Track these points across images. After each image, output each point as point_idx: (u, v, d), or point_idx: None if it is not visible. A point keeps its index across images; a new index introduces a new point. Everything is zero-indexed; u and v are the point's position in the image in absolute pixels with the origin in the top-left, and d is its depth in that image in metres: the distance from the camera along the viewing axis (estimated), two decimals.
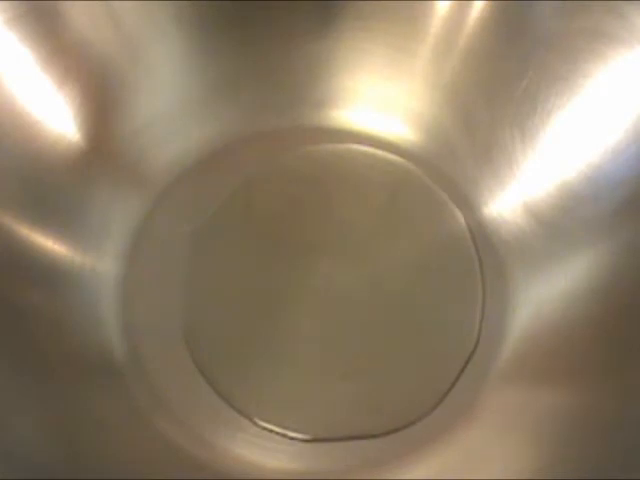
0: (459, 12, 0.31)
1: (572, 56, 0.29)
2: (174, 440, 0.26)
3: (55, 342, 0.26)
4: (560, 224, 0.29)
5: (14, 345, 0.25)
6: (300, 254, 0.30)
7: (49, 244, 0.27)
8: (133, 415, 0.26)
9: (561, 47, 0.29)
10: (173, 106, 0.31)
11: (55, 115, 0.28)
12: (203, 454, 0.26)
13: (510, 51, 0.31)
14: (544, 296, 0.28)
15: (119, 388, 0.26)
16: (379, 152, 0.32)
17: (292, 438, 0.26)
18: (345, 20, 0.32)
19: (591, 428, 0.24)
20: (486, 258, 0.30)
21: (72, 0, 0.28)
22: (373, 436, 0.26)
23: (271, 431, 0.26)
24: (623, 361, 0.25)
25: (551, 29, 0.30)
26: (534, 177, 0.30)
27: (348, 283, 0.29)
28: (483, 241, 0.30)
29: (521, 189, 0.30)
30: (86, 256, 0.28)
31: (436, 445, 0.26)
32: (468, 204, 0.31)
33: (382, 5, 0.31)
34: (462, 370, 0.28)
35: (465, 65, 0.32)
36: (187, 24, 0.30)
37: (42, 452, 0.23)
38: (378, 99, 0.33)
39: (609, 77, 0.28)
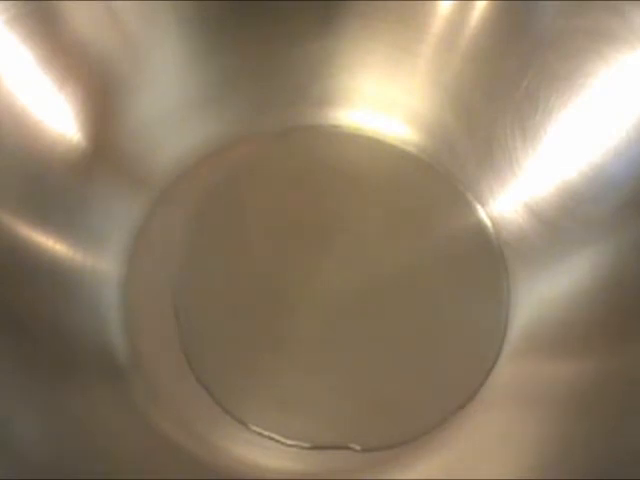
0: (461, 12, 0.31)
1: (573, 56, 0.29)
2: (174, 440, 0.26)
3: (55, 341, 0.26)
4: (561, 224, 0.29)
5: (14, 344, 0.25)
6: (304, 254, 0.30)
7: (50, 243, 0.27)
8: (133, 415, 0.26)
9: (562, 47, 0.29)
10: (173, 106, 0.31)
11: (56, 115, 0.28)
12: (203, 454, 0.26)
13: (511, 51, 0.31)
14: (546, 295, 0.28)
15: (119, 388, 0.26)
16: (381, 151, 0.32)
17: (290, 445, 0.26)
18: (346, 19, 0.32)
19: (592, 429, 0.24)
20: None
21: (72, 0, 0.28)
22: (371, 450, 0.26)
23: (269, 438, 0.26)
24: (624, 360, 0.25)
25: (552, 29, 0.30)
26: (535, 177, 0.30)
27: (353, 283, 0.29)
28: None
29: (522, 189, 0.30)
30: (86, 255, 0.28)
31: (436, 444, 0.26)
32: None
33: (384, 4, 0.31)
34: (480, 386, 0.27)
35: (466, 65, 0.32)
36: (187, 24, 0.30)
37: (42, 452, 0.23)
38: (379, 98, 0.33)
39: (610, 77, 0.28)
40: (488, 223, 0.31)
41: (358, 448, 0.26)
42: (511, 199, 0.31)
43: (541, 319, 0.28)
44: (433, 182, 0.32)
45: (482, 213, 0.31)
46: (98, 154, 0.29)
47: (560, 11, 0.29)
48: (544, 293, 0.28)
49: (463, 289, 0.29)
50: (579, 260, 0.28)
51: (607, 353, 0.26)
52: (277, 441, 0.26)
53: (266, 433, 0.26)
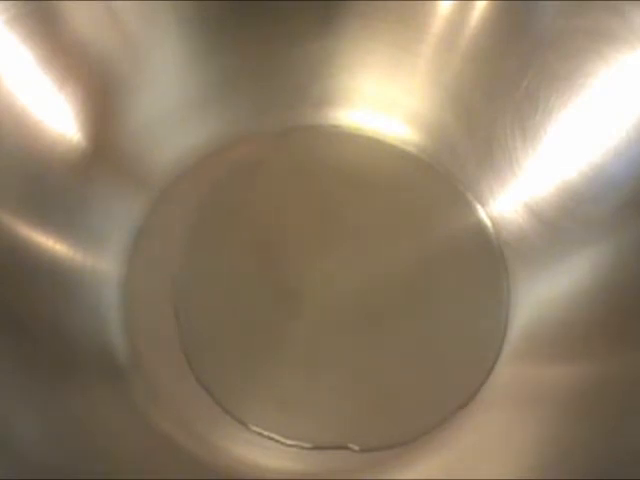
0: (461, 12, 0.31)
1: (573, 56, 0.29)
2: (174, 440, 0.26)
3: (55, 341, 0.26)
4: (561, 224, 0.29)
5: (14, 344, 0.25)
6: (304, 254, 0.29)
7: (50, 243, 0.27)
8: (133, 415, 0.26)
9: (562, 47, 0.29)
10: (173, 106, 0.31)
11: (56, 115, 0.28)
12: (203, 454, 0.26)
13: (511, 51, 0.31)
14: (546, 295, 0.28)
15: (119, 388, 0.26)
16: (381, 151, 0.32)
17: (290, 446, 0.26)
18: (346, 19, 0.32)
19: (593, 429, 0.24)
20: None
21: (72, 0, 0.28)
22: (371, 450, 0.26)
23: (269, 438, 0.26)
24: (624, 360, 0.25)
25: (552, 29, 0.30)
26: (535, 177, 0.30)
27: (353, 283, 0.29)
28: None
29: (522, 189, 0.30)
30: (87, 256, 0.28)
31: (436, 444, 0.26)
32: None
33: (384, 4, 0.31)
34: (480, 386, 0.27)
35: (466, 65, 0.32)
36: (187, 24, 0.30)
37: (42, 452, 0.23)
38: (379, 98, 0.33)
39: (610, 77, 0.28)
40: (488, 223, 0.31)
41: (357, 448, 0.26)
42: (511, 199, 0.31)
43: (541, 319, 0.28)
44: (433, 182, 0.32)
45: (482, 213, 0.31)
46: (98, 154, 0.29)
47: (560, 11, 0.29)
48: (544, 293, 0.28)
49: (463, 289, 0.29)
50: (579, 260, 0.28)
51: (607, 353, 0.26)
52: (277, 441, 0.26)
53: (266, 433, 0.26)
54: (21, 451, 0.22)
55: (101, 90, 0.29)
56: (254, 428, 0.26)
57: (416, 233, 0.30)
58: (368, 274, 0.29)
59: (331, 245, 0.30)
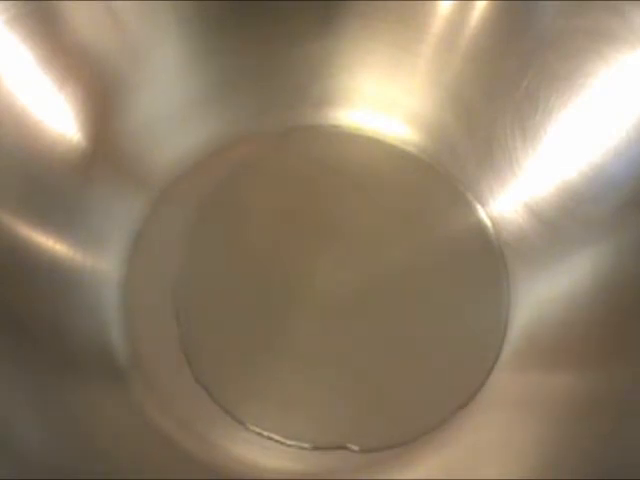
0: (461, 12, 0.31)
1: (573, 56, 0.29)
2: (174, 440, 0.26)
3: (55, 341, 0.26)
4: (561, 224, 0.29)
5: (14, 344, 0.25)
6: (304, 254, 0.29)
7: (50, 243, 0.27)
8: (133, 415, 0.26)
9: (562, 47, 0.29)
10: (173, 106, 0.31)
11: (56, 115, 0.28)
12: (203, 454, 0.26)
13: (511, 51, 0.31)
14: (546, 296, 0.28)
15: (119, 388, 0.26)
16: (381, 151, 0.32)
17: (290, 446, 0.26)
18: (346, 19, 0.32)
19: (592, 429, 0.24)
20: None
21: (72, 0, 0.28)
22: (371, 450, 0.26)
23: (269, 438, 0.26)
24: (624, 361, 0.25)
25: (552, 29, 0.30)
26: (535, 177, 0.30)
27: (353, 283, 0.29)
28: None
29: (522, 189, 0.30)
30: (86, 256, 0.28)
31: (436, 444, 0.26)
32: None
33: (384, 4, 0.31)
34: (480, 387, 0.27)
35: (466, 65, 0.32)
36: (187, 24, 0.30)
37: (42, 452, 0.23)
38: (379, 98, 0.33)
39: (610, 77, 0.28)
40: (488, 223, 0.31)
41: (356, 449, 0.26)
42: (511, 199, 0.31)
43: (541, 319, 0.28)
44: (433, 182, 0.32)
45: (482, 213, 0.31)
46: (98, 154, 0.29)
47: (560, 11, 0.29)
48: (544, 293, 0.28)
49: (463, 289, 0.29)
50: (579, 260, 0.28)
51: (607, 353, 0.26)
52: (277, 441, 0.26)
53: (265, 433, 0.26)
54: (21, 451, 0.22)
55: (101, 90, 0.29)
56: (254, 428, 0.26)
57: (416, 233, 0.30)
58: (368, 274, 0.29)
59: (331, 245, 0.30)
